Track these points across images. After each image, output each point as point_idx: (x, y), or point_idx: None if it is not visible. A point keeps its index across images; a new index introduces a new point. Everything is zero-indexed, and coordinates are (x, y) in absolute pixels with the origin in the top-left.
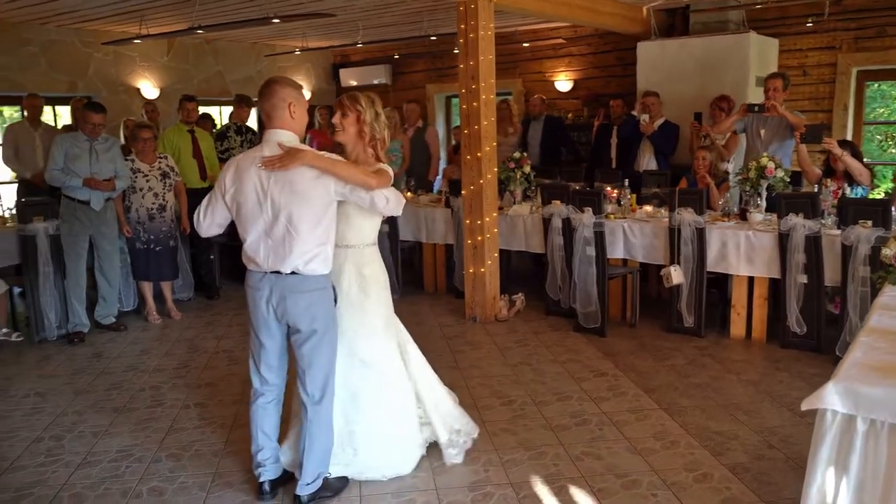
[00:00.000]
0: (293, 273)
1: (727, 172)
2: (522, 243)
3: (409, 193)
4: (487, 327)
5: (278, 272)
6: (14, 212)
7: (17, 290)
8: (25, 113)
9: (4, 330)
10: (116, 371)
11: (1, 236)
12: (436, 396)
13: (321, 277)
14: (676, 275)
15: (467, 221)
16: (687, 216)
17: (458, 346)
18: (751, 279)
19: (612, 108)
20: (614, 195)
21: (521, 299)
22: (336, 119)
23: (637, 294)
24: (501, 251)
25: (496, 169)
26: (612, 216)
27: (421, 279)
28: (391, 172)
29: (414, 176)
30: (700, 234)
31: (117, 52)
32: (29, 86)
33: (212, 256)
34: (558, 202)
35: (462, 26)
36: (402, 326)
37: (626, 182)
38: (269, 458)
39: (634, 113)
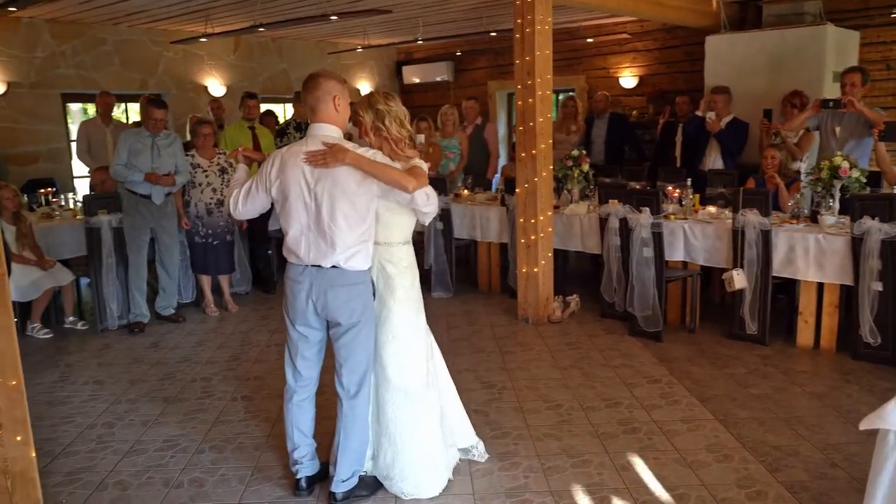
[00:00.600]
0: (334, 267)
1: (798, 172)
2: (578, 243)
3: (465, 191)
4: (539, 329)
5: (319, 266)
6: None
7: (84, 280)
8: (98, 109)
9: (71, 318)
10: (171, 361)
11: (71, 228)
12: (456, 411)
13: (361, 272)
14: (739, 279)
15: (521, 220)
16: (752, 218)
17: (508, 347)
18: (820, 285)
19: (678, 104)
20: (676, 195)
21: (576, 301)
22: (358, 132)
23: (697, 298)
24: (559, 251)
25: (552, 167)
26: (672, 217)
27: (475, 278)
28: (425, 167)
29: (472, 173)
30: (765, 237)
31: (186, 50)
32: (103, 83)
33: (269, 251)
34: (615, 202)
35: (518, 21)
36: (431, 336)
37: (689, 181)
38: (306, 456)
39: (698, 113)
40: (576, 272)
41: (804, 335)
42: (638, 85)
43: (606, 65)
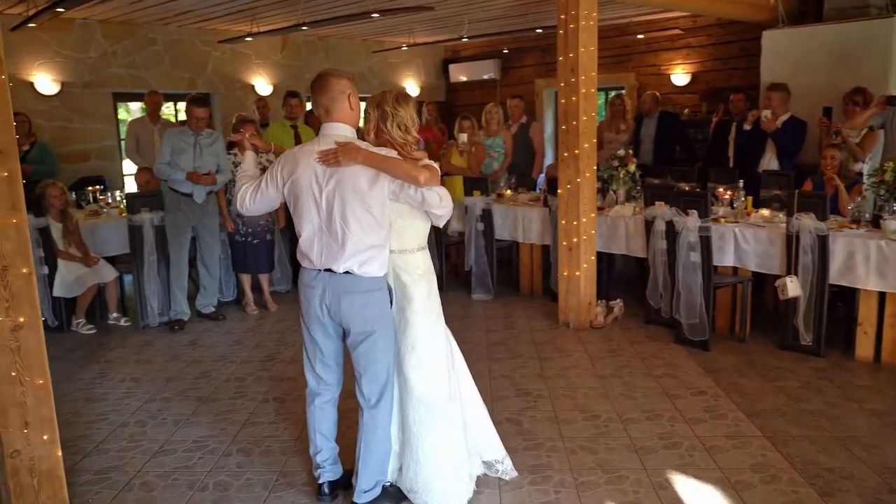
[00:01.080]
0: (347, 273)
1: (860, 174)
2: (623, 246)
3: (508, 191)
4: (580, 334)
5: (332, 271)
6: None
7: (127, 277)
8: (146, 109)
9: (114, 315)
10: (207, 360)
11: (116, 225)
12: (481, 420)
13: (376, 279)
14: (793, 286)
15: (563, 222)
16: (807, 222)
17: (546, 353)
18: (882, 295)
19: (733, 102)
20: (727, 197)
21: (620, 306)
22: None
23: (748, 306)
24: (604, 254)
25: (595, 167)
26: (722, 220)
27: (517, 280)
28: (437, 168)
29: (516, 173)
30: (822, 243)
31: (234, 50)
32: (152, 83)
33: None
34: (662, 204)
35: (562, 16)
36: (454, 344)
37: (741, 183)
38: (328, 460)
39: (746, 127)
40: (622, 275)
41: (863, 347)
42: (690, 82)
43: (657, 62)
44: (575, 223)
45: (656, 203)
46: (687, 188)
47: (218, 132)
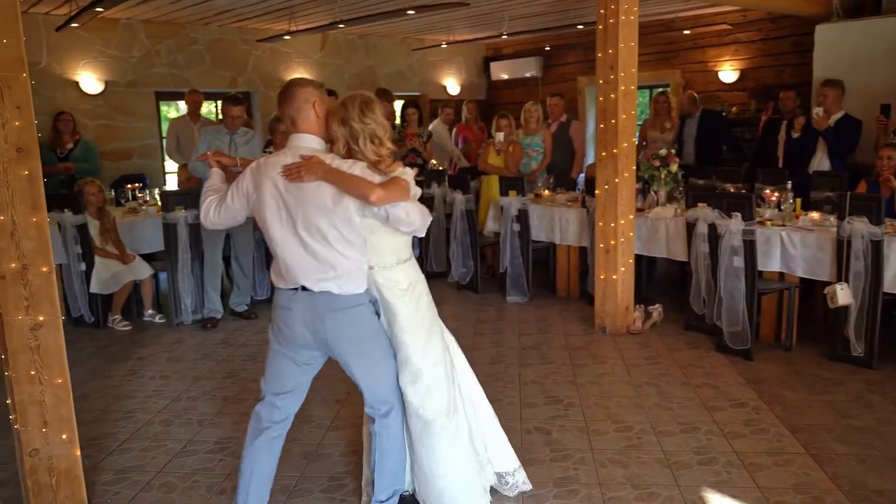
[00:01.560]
0: (325, 292)
1: None
2: (663, 249)
3: (546, 191)
4: (617, 340)
5: (308, 290)
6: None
7: (163, 275)
8: (187, 107)
9: (149, 311)
10: (237, 360)
11: (153, 223)
12: (491, 429)
13: (357, 295)
14: (843, 294)
15: (600, 223)
16: (860, 226)
17: (580, 359)
18: None
19: (782, 100)
20: (774, 199)
21: (659, 311)
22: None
23: (794, 313)
24: (645, 257)
25: (634, 167)
26: (768, 223)
27: (553, 282)
28: (409, 178)
29: (555, 173)
30: (876, 248)
31: (274, 49)
32: (194, 82)
33: None
34: (704, 205)
35: (602, 11)
36: (458, 355)
37: (790, 184)
38: None
39: (794, 135)
40: (664, 278)
41: None
42: (739, 79)
43: (704, 58)
44: (612, 225)
45: (698, 205)
46: (732, 189)
47: (254, 131)
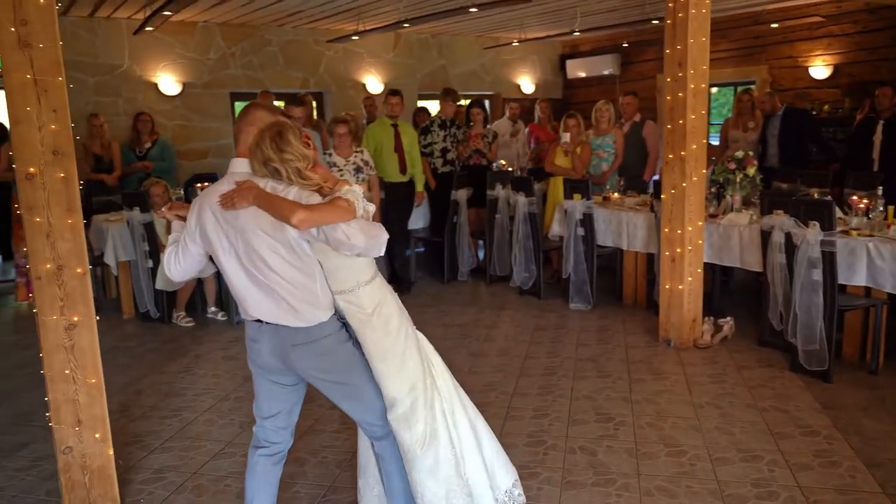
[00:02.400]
0: (284, 326)
1: None
2: (736, 258)
3: (615, 194)
4: (681, 354)
5: (270, 323)
6: None
7: None
8: None
9: (212, 309)
10: None
11: None
12: (486, 456)
13: (322, 325)
14: None
15: (666, 230)
16: None
17: (638, 374)
18: None
19: (878, 98)
20: (862, 205)
21: (730, 325)
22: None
23: (882, 333)
24: (721, 266)
25: (705, 171)
26: (854, 232)
27: (620, 290)
28: (351, 198)
29: (627, 175)
30: None
31: (347, 49)
32: (267, 82)
33: (408, 251)
34: (781, 212)
35: (670, 5)
36: (439, 376)
37: (881, 190)
38: None
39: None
40: (741, 289)
41: None
42: (832, 75)
43: (794, 53)
44: (679, 232)
45: (774, 211)
46: (816, 194)
47: (315, 132)
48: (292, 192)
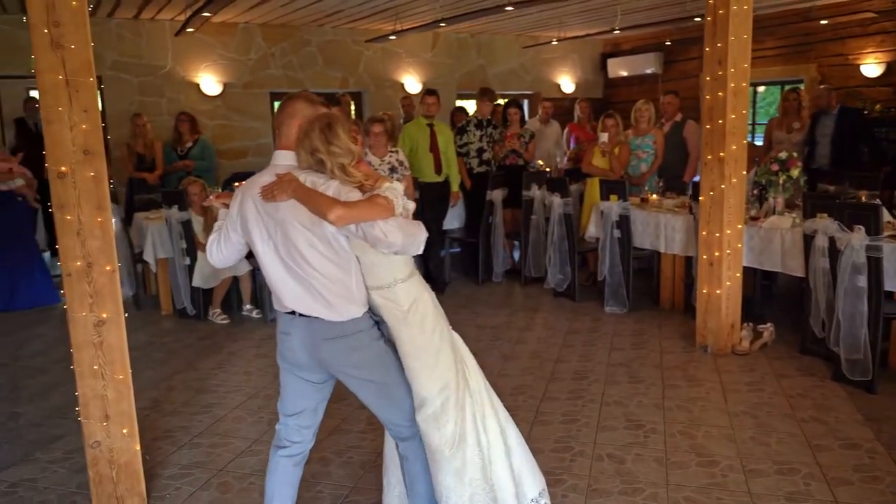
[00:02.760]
0: (317, 318)
1: None
2: (778, 263)
3: (653, 196)
4: (718, 361)
5: (304, 315)
6: None
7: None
8: None
9: (248, 306)
10: None
11: None
12: (514, 464)
13: (355, 320)
14: None
15: (703, 233)
16: None
17: (672, 380)
18: None
19: None
20: None
21: (770, 331)
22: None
23: None
24: (762, 270)
25: (745, 172)
26: None
27: (657, 293)
28: (391, 196)
29: (666, 176)
30: None
31: (385, 48)
32: (307, 82)
33: (443, 252)
34: (824, 216)
35: (711, 1)
36: (472, 376)
37: None
38: None
39: None
40: (785, 294)
41: None
42: (885, 73)
43: (844, 50)
44: (717, 235)
45: (818, 215)
46: (864, 197)
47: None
48: (332, 187)
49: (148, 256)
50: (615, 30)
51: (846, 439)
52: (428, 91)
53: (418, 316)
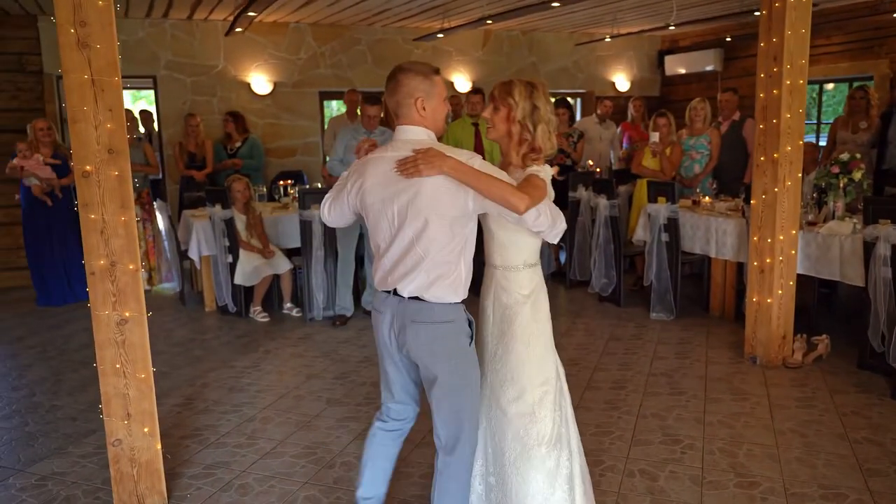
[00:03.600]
0: (415, 298)
1: None
2: (836, 271)
3: (706, 198)
4: (768, 374)
5: (400, 295)
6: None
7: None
8: (345, 106)
9: (288, 305)
10: (352, 361)
11: (297, 219)
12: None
13: (449, 307)
14: None
15: (755, 238)
16: None
17: (716, 393)
18: None
19: None
20: None
21: (826, 344)
22: (487, 113)
23: None
24: (821, 279)
25: (800, 175)
26: None
27: (707, 300)
28: (545, 178)
29: (725, 177)
30: None
31: (435, 47)
32: (356, 81)
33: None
34: (887, 222)
35: None
36: (562, 382)
37: None
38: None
39: None
40: (847, 304)
41: None
42: None
43: None
44: (769, 240)
45: (879, 221)
46: None
47: (391, 131)
48: (477, 162)
49: (192, 253)
50: (670, 25)
51: None
52: (473, 90)
53: (536, 304)
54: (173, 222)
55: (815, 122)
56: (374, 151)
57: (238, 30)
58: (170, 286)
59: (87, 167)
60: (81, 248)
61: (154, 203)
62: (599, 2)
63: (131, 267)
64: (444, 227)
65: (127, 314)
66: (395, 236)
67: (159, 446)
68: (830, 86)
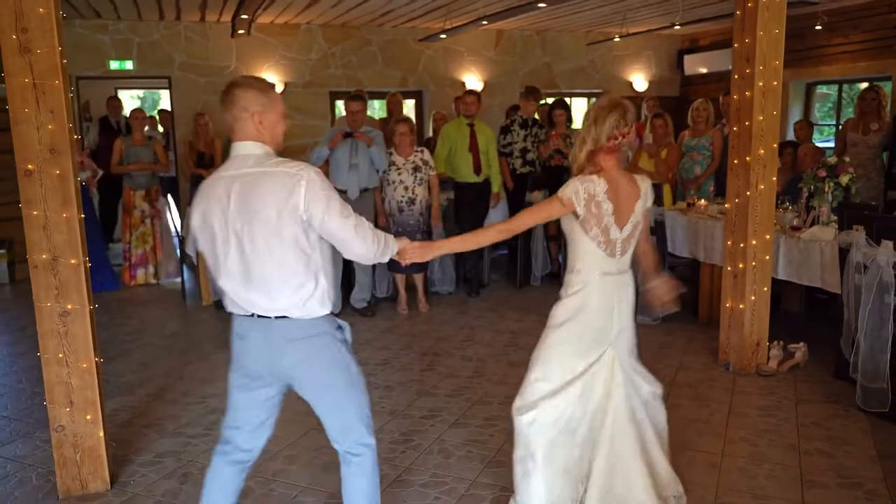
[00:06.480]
0: (281, 318)
1: None
2: (817, 277)
3: (702, 201)
4: (738, 381)
5: (263, 316)
6: None
7: None
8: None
9: None
10: None
11: None
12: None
13: (318, 320)
14: None
15: (728, 242)
16: None
17: (677, 398)
18: None
19: None
20: None
21: (803, 352)
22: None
23: None
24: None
25: (775, 178)
26: None
27: (696, 304)
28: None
29: (723, 180)
30: None
31: (446, 47)
32: (366, 82)
33: (482, 256)
34: (860, 228)
35: None
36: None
37: None
38: None
39: None
40: (839, 311)
41: None
42: None
43: None
44: (742, 245)
45: (854, 227)
46: None
47: (377, 130)
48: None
49: (189, 249)
50: (675, 24)
51: (849, 477)
52: (468, 91)
53: (570, 310)
54: (180, 215)
55: (834, 123)
56: (213, 173)
57: (241, 32)
58: (175, 281)
59: (29, 166)
60: (95, 241)
61: (162, 199)
62: (603, 1)
63: (73, 261)
64: (281, 242)
65: (69, 306)
66: (240, 255)
67: (102, 433)
68: (864, 85)
